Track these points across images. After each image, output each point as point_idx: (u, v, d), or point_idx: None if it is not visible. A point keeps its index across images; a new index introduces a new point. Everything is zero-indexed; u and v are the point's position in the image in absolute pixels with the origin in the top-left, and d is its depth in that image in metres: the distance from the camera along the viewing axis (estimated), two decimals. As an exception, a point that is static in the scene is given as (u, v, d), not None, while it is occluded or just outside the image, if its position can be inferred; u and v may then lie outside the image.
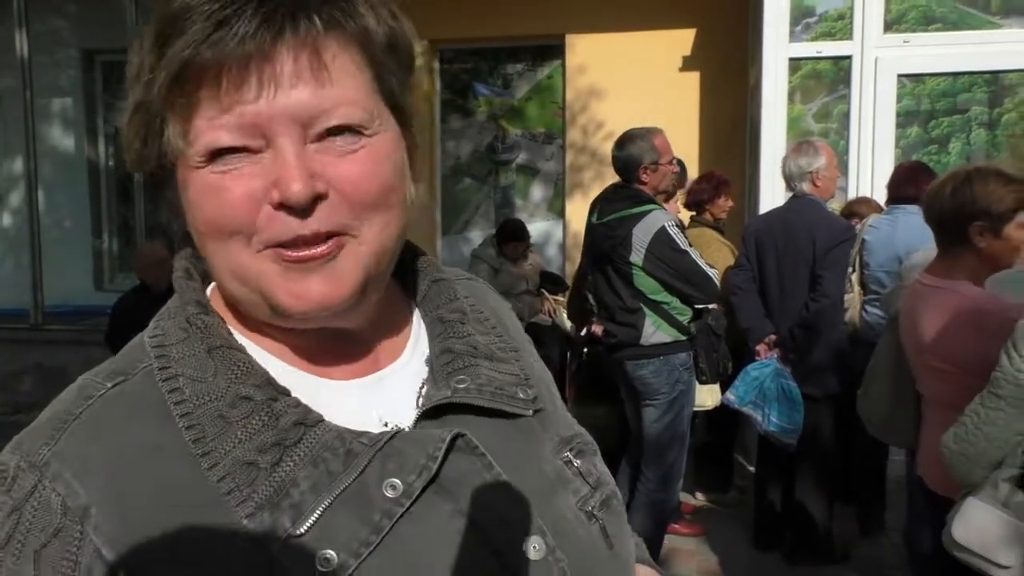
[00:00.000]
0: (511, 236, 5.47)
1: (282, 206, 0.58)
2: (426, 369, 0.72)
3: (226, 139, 0.58)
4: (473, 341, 0.73)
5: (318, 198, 0.59)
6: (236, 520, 0.58)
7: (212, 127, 0.58)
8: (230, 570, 0.57)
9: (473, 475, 0.65)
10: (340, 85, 0.59)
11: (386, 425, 0.67)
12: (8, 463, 0.60)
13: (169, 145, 0.61)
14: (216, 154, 0.59)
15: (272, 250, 0.60)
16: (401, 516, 0.61)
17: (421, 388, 0.71)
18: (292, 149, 0.58)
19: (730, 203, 4.57)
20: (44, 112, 7.22)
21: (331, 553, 0.58)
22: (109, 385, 0.63)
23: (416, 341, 0.74)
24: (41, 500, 0.58)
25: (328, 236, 0.60)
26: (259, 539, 0.58)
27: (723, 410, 3.89)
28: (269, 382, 0.63)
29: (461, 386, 0.68)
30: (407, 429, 0.66)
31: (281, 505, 0.59)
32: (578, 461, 0.73)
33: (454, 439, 0.65)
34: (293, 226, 0.59)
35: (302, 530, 0.59)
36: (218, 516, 0.58)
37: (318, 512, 0.59)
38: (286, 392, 0.63)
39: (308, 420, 0.62)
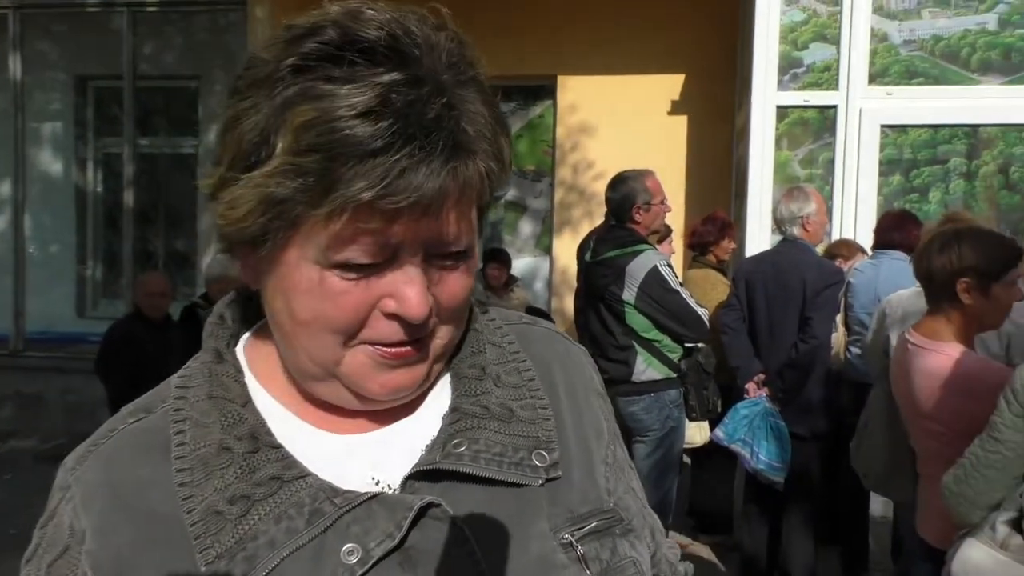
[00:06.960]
0: (490, 258, 5.74)
1: (397, 317, 0.61)
2: (438, 428, 0.69)
3: (363, 259, 0.59)
4: (486, 400, 0.70)
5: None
6: (197, 565, 0.60)
7: (352, 245, 0.59)
8: None
9: (441, 549, 0.62)
10: (462, 220, 0.62)
11: (377, 484, 0.66)
12: (55, 481, 0.67)
13: (301, 246, 0.60)
14: (347, 264, 0.60)
15: (369, 346, 0.62)
16: None
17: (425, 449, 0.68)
18: (417, 271, 0.61)
19: (733, 245, 4.63)
20: (35, 136, 7.16)
21: None
22: (131, 421, 0.68)
23: (436, 397, 0.71)
24: (59, 519, 0.65)
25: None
26: None
27: (718, 449, 3.92)
28: (253, 434, 0.64)
29: (456, 451, 0.66)
30: (390, 491, 0.65)
31: (236, 557, 0.60)
32: (584, 546, 0.67)
33: (426, 507, 0.63)
34: (402, 334, 0.62)
35: None
36: (184, 558, 0.60)
37: (269, 568, 0.60)
38: (273, 445, 0.64)
39: (286, 475, 0.63)
